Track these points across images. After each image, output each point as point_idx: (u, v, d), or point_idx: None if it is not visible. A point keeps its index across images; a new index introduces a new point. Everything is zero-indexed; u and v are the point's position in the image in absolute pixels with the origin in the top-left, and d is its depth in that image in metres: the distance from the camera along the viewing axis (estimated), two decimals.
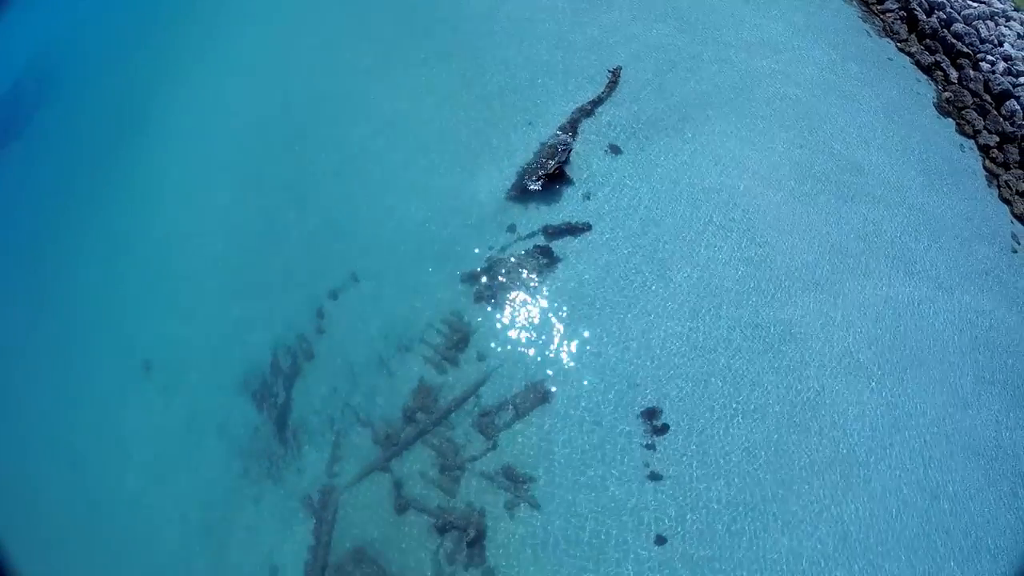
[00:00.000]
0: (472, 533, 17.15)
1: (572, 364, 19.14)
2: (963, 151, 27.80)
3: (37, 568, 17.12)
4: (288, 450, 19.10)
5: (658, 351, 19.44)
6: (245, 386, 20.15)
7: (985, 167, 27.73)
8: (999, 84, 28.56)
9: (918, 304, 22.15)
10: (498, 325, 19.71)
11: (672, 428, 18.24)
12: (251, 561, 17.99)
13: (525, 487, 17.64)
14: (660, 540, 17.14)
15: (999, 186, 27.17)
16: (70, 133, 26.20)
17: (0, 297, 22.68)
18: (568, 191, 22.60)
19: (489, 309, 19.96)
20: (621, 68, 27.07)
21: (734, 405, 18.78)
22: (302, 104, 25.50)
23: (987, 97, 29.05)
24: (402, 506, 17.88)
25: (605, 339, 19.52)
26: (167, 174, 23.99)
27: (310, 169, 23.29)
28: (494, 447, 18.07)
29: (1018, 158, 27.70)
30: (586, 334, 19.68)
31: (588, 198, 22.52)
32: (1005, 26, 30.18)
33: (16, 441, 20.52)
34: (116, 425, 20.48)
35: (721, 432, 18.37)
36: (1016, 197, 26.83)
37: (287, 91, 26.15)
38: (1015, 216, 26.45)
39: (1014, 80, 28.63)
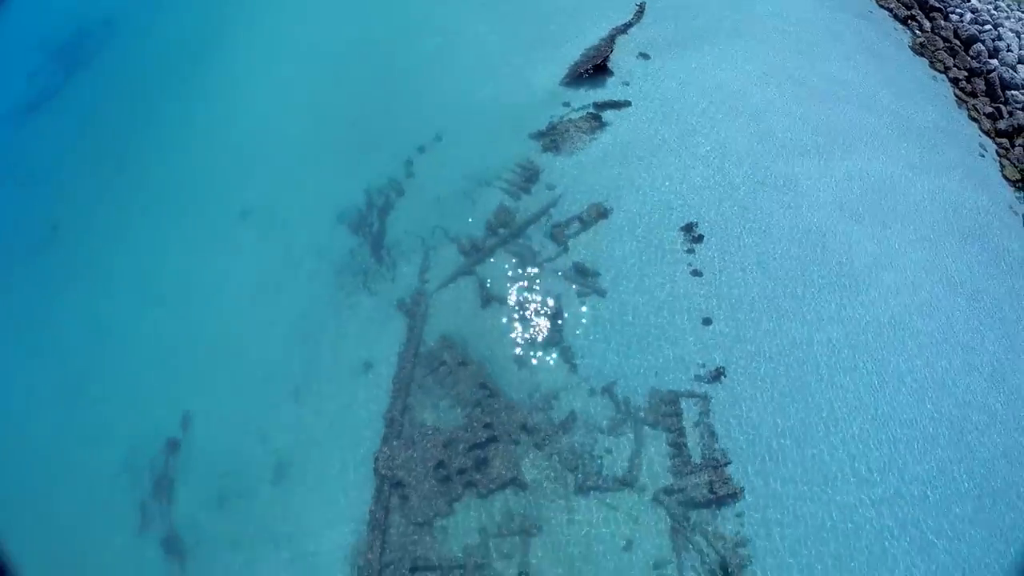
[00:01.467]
0: (551, 318, 20.42)
1: (622, 192, 22.99)
2: (935, 81, 32.67)
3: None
4: (382, 265, 22.42)
5: (687, 187, 23.38)
6: (341, 219, 23.56)
7: (955, 94, 32.57)
8: (967, 31, 33.77)
9: (895, 177, 26.33)
10: (562, 165, 23.58)
11: (706, 238, 21.95)
12: (348, 358, 21.00)
13: (592, 280, 21.07)
14: (707, 321, 20.51)
15: (968, 109, 31.94)
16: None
17: (126, 164, 26.21)
18: (610, 80, 27.00)
19: (553, 155, 23.89)
20: (645, 4, 32.04)
21: (748, 225, 22.61)
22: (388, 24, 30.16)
23: (956, 42, 34.23)
24: (486, 300, 21.12)
25: (645, 176, 23.57)
26: (272, 54, 28.25)
27: (399, 64, 27.68)
28: (565, 250, 21.57)
29: (984, 88, 32.62)
30: (630, 173, 23.65)
31: (627, 84, 26.95)
32: None
33: (138, 276, 23.53)
34: (225, 258, 23.69)
35: (741, 243, 22.15)
36: (983, 117, 31.57)
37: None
38: (983, 131, 31.10)
39: (980, 28, 33.89)
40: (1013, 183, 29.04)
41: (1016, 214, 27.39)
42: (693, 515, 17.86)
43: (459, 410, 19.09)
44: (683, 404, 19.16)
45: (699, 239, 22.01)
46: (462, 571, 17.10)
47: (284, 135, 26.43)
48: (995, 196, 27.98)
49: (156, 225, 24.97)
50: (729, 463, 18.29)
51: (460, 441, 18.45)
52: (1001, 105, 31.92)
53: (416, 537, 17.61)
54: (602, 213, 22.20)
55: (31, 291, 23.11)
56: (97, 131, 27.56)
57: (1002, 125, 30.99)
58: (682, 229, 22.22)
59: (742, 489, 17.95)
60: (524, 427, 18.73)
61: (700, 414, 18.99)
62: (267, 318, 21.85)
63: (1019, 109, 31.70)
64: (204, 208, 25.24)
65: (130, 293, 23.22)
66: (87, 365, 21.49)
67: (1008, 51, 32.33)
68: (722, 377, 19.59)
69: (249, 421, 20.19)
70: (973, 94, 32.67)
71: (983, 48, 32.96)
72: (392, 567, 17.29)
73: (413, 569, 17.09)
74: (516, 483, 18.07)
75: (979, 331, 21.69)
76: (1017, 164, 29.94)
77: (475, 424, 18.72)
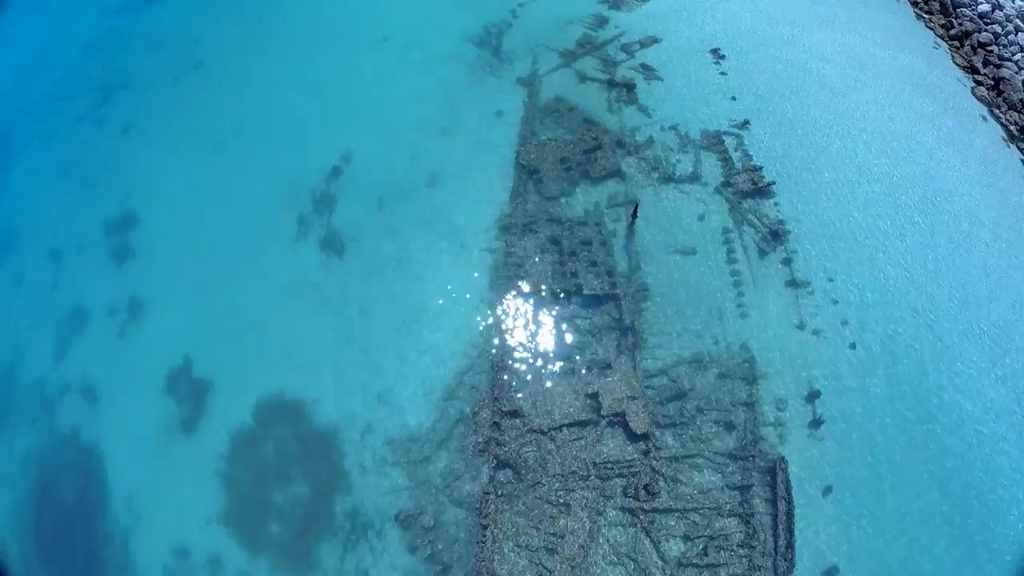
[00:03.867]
0: (627, 88, 28.14)
1: (668, 32, 31.19)
2: (898, 3, 41.88)
3: None
4: (503, 63, 30.07)
5: (714, 30, 31.53)
6: (467, 39, 31.23)
7: (914, 12, 41.78)
8: None
9: (863, 48, 34.12)
10: (622, 15, 31.82)
11: (727, 56, 30.16)
12: (483, 110, 28.39)
13: (651, 72, 28.97)
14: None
15: (925, 21, 41.09)
16: None
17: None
18: None
19: (616, 11, 32.09)
20: None
21: (757, 52, 30.71)
22: None
23: None
24: (582, 78, 28.80)
25: (681, 23, 31.78)
26: None
27: None
28: (632, 56, 29.56)
29: (939, 8, 41.90)
30: (672, 22, 31.87)
31: None
32: None
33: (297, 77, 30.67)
34: (374, 59, 31.05)
35: (751, 59, 30.25)
36: (938, 27, 40.57)
37: None
38: (937, 36, 40.12)
39: None
40: (962, 68, 37.78)
41: (963, 84, 35.73)
42: (744, 202, 25.20)
43: (572, 134, 26.49)
44: (724, 139, 26.79)
45: (723, 56, 30.17)
46: (584, 225, 24.15)
47: None
48: (945, 72, 35.99)
49: (308, 56, 32.15)
50: (761, 167, 25.80)
51: (576, 146, 25.80)
52: (952, 19, 41.20)
53: (548, 206, 24.67)
54: (655, 40, 30.38)
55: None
56: None
57: (954, 32, 40.14)
58: (711, 51, 30.43)
59: (773, 182, 25.43)
60: (619, 143, 26.19)
61: (737, 144, 26.61)
62: (415, 90, 29.23)
63: (967, 20, 41.02)
64: (349, 37, 32.57)
65: (293, 88, 30.30)
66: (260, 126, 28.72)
67: None
68: (747, 124, 27.38)
69: (404, 150, 27.31)
70: (930, 12, 41.94)
71: None
72: (529, 225, 24.29)
73: (549, 220, 24.14)
74: (618, 174, 25.39)
75: (916, 130, 29.43)
76: (966, 57, 38.90)
77: (585, 138, 26.14)
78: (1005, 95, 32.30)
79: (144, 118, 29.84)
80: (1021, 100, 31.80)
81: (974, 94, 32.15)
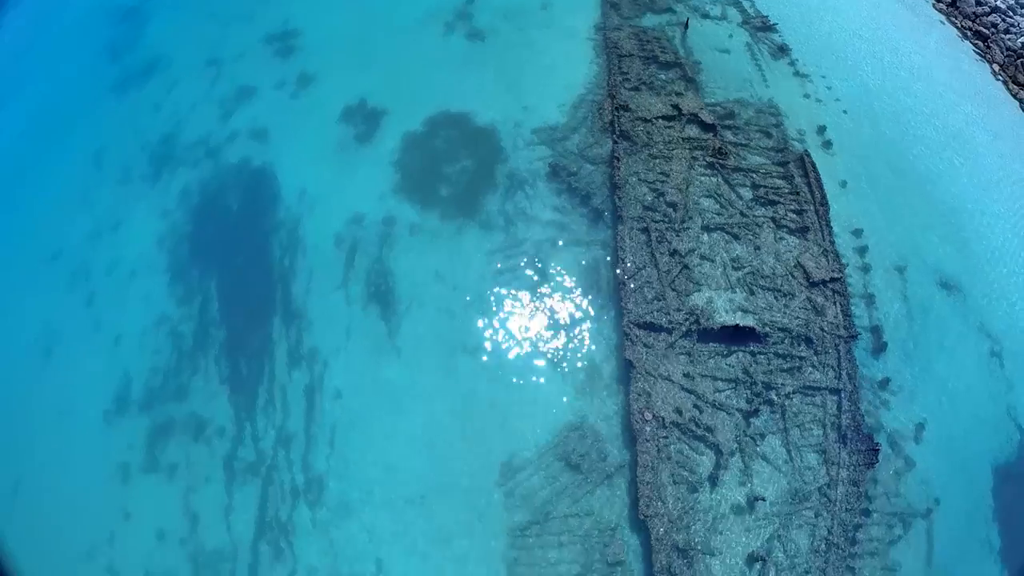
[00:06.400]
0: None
1: None
2: None
3: None
4: None
5: None
6: None
7: None
8: None
9: None
10: None
11: None
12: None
13: None
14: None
15: None
16: None
17: None
18: None
19: None
20: None
21: None
22: None
23: None
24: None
25: None
26: None
27: None
28: None
29: None
30: None
31: None
32: None
33: None
34: None
35: None
36: None
37: None
38: None
39: None
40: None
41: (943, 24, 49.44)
42: (758, 32, 36.28)
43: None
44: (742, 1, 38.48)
45: None
46: (654, 31, 34.55)
47: None
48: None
49: None
50: (768, 16, 37.32)
51: None
52: None
53: (626, 23, 35.10)
54: None
55: None
56: None
57: None
58: None
59: (776, 23, 36.86)
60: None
61: (751, 4, 38.30)
62: None
63: None
64: None
65: None
66: None
67: None
68: None
69: None
70: None
71: None
72: (615, 29, 34.54)
73: (629, 28, 34.47)
74: (670, 10, 36.31)
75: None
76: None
77: None
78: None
79: None
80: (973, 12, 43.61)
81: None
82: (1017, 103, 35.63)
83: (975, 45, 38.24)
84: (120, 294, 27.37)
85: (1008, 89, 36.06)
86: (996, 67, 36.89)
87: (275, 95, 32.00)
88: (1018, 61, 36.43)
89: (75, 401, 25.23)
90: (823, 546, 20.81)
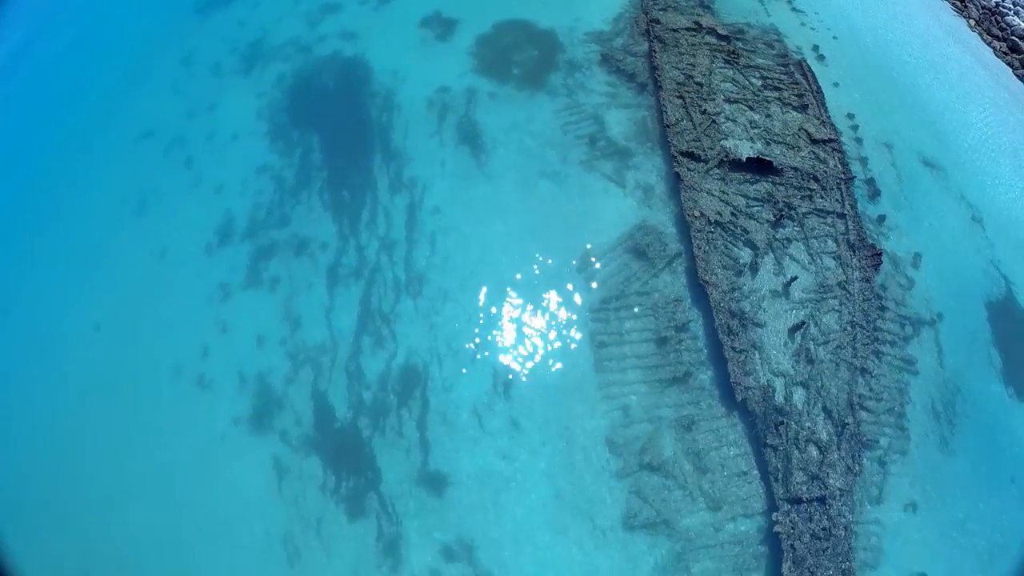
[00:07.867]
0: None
1: None
2: None
3: None
4: None
5: None
6: None
7: None
8: None
9: None
10: None
11: None
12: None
13: None
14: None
15: None
16: None
17: None
18: None
19: None
20: None
21: None
22: None
23: None
24: None
25: None
26: None
27: None
28: None
29: None
30: None
31: None
32: None
33: None
34: None
35: None
36: None
37: None
38: None
39: None
40: None
41: None
42: None
43: None
44: None
45: None
46: None
47: None
48: None
49: None
50: None
51: None
52: None
53: None
54: None
55: None
56: None
57: None
58: None
59: None
60: None
61: None
62: None
63: None
64: None
65: None
66: None
67: None
68: None
69: None
70: None
71: None
72: None
73: None
74: None
75: None
76: None
77: None
78: None
79: None
80: None
81: None
82: (991, 49, 42.59)
83: (953, 4, 45.58)
84: (220, 155, 29.66)
85: (983, 39, 43.02)
86: (972, 22, 44.05)
87: (358, 8, 37.14)
88: (992, 17, 43.62)
89: (174, 242, 26.87)
90: (849, 326, 25.51)
